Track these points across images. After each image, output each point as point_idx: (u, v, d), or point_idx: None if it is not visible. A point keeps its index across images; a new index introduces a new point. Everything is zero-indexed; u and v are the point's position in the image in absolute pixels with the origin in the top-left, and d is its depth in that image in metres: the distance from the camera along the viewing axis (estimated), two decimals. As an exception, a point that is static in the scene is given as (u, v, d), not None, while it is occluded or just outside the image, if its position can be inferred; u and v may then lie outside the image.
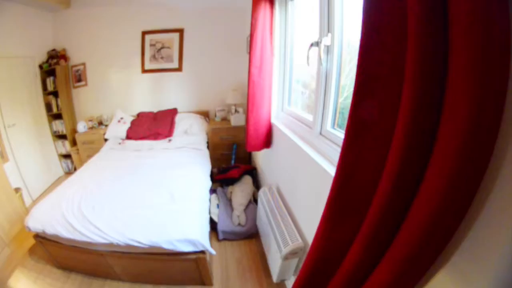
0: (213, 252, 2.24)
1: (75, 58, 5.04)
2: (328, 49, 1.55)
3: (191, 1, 4.34)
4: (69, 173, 5.46)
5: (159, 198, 2.63)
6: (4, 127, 3.96)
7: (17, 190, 3.86)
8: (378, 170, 0.70)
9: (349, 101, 1.54)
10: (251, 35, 2.27)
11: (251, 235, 2.98)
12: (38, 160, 4.79)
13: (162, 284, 2.55)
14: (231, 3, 4.22)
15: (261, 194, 2.47)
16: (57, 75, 4.71)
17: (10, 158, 4.06)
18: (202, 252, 2.17)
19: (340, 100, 1.63)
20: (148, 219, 2.33)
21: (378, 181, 0.69)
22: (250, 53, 2.30)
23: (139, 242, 2.13)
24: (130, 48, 4.77)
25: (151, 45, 4.68)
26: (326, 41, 1.53)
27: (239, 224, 2.94)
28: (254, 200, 3.27)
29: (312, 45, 1.67)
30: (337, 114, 1.63)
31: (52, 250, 2.76)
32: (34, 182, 4.60)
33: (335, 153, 1.42)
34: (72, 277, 2.82)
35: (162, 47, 4.66)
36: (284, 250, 1.79)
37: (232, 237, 2.97)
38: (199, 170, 3.24)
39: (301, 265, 1.92)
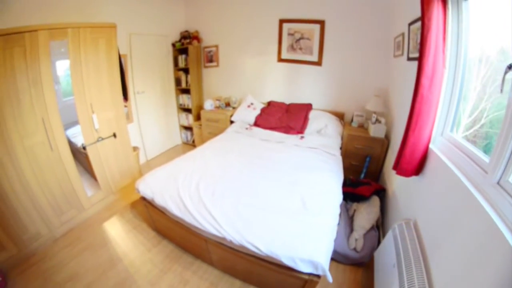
0: (331, 279, 2.07)
1: (207, 39, 5.68)
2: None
3: (333, -9, 4.24)
4: (186, 143, 6.38)
5: (289, 203, 2.55)
6: (134, 92, 4.81)
7: (135, 148, 4.67)
8: None
9: None
10: (424, 38, 2.03)
11: (361, 263, 2.81)
12: (159, 126, 5.68)
13: (252, 284, 2.57)
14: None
15: (396, 227, 2.24)
16: (189, 54, 5.43)
17: (134, 120, 4.92)
18: (317, 275, 2.05)
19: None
20: (274, 225, 2.26)
21: None
22: (420, 59, 2.06)
23: (257, 248, 2.09)
24: (266, 35, 4.98)
25: (289, 34, 4.77)
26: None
27: (354, 249, 2.80)
28: (376, 226, 3.06)
29: (510, 67, 1.39)
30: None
31: (154, 215, 3.02)
32: (151, 145, 5.52)
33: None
34: (164, 243, 3.11)
35: (301, 38, 4.70)
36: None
37: (341, 259, 2.84)
38: (333, 179, 3.10)
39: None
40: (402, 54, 3.27)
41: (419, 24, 2.52)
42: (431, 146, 2.22)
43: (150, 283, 2.60)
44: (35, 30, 2.68)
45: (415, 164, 2.25)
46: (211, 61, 5.82)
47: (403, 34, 3.21)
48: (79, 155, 3.57)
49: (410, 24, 2.88)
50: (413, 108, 2.14)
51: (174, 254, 2.95)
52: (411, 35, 2.87)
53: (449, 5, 2.01)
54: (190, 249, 2.91)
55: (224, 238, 2.25)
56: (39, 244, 3.03)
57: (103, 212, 3.71)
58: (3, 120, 2.56)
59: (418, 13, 2.46)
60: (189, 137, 6.40)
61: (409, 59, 2.96)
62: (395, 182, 3.06)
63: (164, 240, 3.15)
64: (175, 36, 5.71)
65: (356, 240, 2.82)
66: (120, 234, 3.29)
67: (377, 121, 3.81)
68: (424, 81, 2.03)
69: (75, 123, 3.30)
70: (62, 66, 3.20)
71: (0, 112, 2.52)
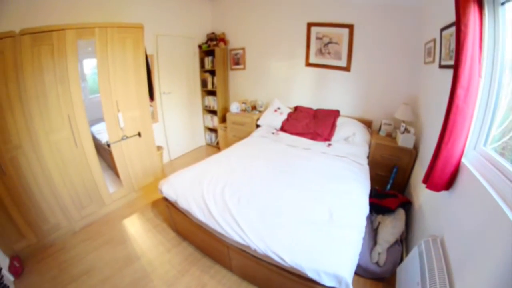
0: None
1: (234, 42, 5.74)
2: None
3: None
4: (210, 145, 6.45)
5: (316, 214, 2.50)
6: (160, 93, 4.94)
7: (159, 148, 4.77)
8: None
9: None
10: (460, 46, 1.93)
11: (382, 278, 2.71)
12: (184, 126, 5.80)
13: (270, 292, 2.53)
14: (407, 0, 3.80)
15: (422, 244, 2.15)
16: (215, 56, 5.50)
17: (159, 120, 5.04)
18: (339, 290, 2.00)
19: None
20: (300, 236, 2.21)
21: None
22: (456, 68, 1.97)
23: (281, 259, 2.06)
24: (294, 39, 4.95)
25: (318, 38, 4.72)
26: None
27: (376, 263, 2.70)
28: (400, 240, 2.95)
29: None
30: None
31: (176, 217, 3.04)
32: (175, 145, 5.63)
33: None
34: (184, 245, 3.12)
35: (329, 42, 4.63)
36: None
37: (362, 273, 2.75)
38: (360, 190, 3.01)
39: None
40: (434, 61, 3.15)
41: (452, 29, 2.42)
42: (463, 160, 2.12)
43: (167, 284, 2.62)
44: (63, 29, 2.80)
45: (446, 179, 2.15)
46: (237, 63, 5.87)
47: (434, 40, 3.09)
48: (103, 151, 3.66)
49: (442, 29, 2.77)
50: (447, 119, 2.05)
51: (193, 257, 2.96)
52: (443, 42, 2.76)
53: (486, 11, 1.91)
54: (210, 253, 2.91)
55: (248, 247, 2.23)
56: (58, 236, 3.15)
57: (124, 209, 3.79)
58: (30, 116, 2.68)
59: (451, 18, 2.37)
60: (213, 139, 6.48)
61: (441, 66, 2.85)
62: (422, 195, 2.95)
63: (184, 242, 3.16)
64: (202, 38, 5.81)
65: (379, 254, 2.73)
66: (140, 232, 3.34)
67: (406, 130, 3.69)
68: (460, 91, 1.94)
69: (100, 119, 3.39)
70: (89, 65, 3.31)
71: (27, 107, 2.64)
